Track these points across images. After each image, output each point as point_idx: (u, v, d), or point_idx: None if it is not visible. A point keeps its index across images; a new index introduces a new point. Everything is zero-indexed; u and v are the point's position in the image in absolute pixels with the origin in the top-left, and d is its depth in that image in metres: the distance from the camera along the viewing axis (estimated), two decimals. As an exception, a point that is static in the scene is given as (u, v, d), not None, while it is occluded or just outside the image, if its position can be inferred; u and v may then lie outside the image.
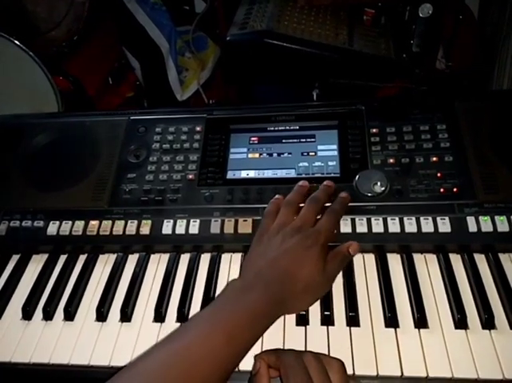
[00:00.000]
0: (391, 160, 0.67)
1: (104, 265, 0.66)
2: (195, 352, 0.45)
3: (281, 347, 0.54)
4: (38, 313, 0.62)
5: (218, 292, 0.61)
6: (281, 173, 0.69)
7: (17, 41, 1.04)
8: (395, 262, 0.61)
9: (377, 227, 0.61)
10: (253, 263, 0.56)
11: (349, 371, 0.50)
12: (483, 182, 0.63)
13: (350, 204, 0.63)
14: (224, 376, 0.47)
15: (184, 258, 0.65)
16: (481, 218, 0.60)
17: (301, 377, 0.44)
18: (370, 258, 0.62)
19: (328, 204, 0.62)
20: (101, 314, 0.60)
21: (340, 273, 0.60)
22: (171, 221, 0.66)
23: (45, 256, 0.68)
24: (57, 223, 0.68)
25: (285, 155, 0.71)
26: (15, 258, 0.69)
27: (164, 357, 0.45)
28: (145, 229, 0.66)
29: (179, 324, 0.58)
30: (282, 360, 0.47)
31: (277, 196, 0.64)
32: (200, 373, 0.45)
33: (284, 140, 0.73)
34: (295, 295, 0.53)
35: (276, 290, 0.51)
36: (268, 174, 0.70)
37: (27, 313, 0.61)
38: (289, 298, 0.52)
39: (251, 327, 0.49)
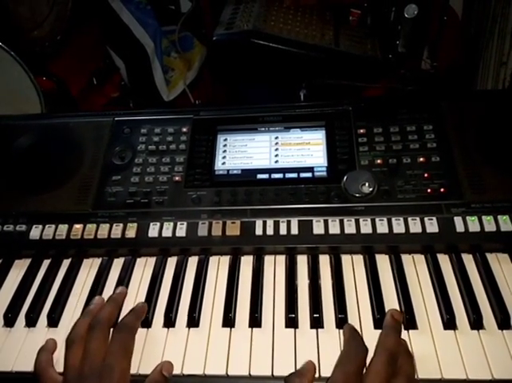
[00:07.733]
0: (379, 161, 0.67)
1: (89, 269, 0.65)
2: None
3: (270, 350, 0.53)
4: (21, 319, 0.60)
5: (206, 296, 0.60)
6: (269, 175, 0.69)
7: (-2, 42, 1.01)
8: (383, 263, 0.61)
9: (365, 227, 0.61)
10: None
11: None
12: (470, 182, 0.63)
13: (339, 205, 0.64)
14: None
15: (171, 262, 0.64)
16: (468, 218, 0.60)
17: None
18: (359, 260, 0.62)
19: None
20: (86, 320, 0.58)
21: (329, 274, 0.60)
22: (158, 224, 0.65)
23: (28, 261, 0.67)
24: (40, 226, 0.67)
25: (273, 156, 0.71)
26: (-3, 263, 0.67)
27: None
28: (131, 232, 0.65)
29: (166, 329, 0.57)
30: None
31: None
32: None
33: (272, 142, 0.72)
34: None
35: None
36: (255, 176, 0.69)
37: (9, 320, 0.60)
38: None
39: None
